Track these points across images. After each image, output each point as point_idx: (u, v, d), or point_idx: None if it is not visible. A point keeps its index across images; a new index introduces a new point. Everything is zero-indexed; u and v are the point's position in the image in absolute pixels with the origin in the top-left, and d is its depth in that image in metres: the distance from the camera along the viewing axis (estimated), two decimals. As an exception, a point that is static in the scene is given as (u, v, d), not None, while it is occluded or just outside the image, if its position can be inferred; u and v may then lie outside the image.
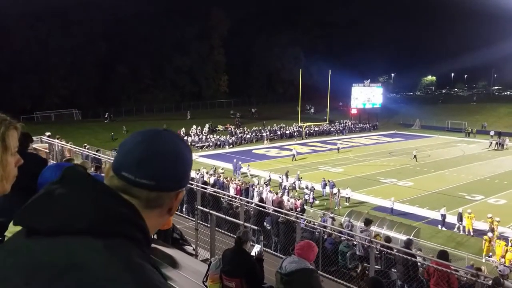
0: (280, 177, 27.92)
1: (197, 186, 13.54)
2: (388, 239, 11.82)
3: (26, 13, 52.77)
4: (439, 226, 21.27)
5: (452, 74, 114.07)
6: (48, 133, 18.59)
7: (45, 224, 0.80)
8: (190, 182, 16.13)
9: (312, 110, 68.19)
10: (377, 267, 9.97)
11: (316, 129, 53.78)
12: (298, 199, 22.02)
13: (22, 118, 50.63)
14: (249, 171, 31.12)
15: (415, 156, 36.48)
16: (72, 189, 0.85)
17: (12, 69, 53.91)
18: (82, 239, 0.78)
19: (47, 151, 14.81)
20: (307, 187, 25.62)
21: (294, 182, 27.55)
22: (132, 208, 0.88)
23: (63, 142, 16.38)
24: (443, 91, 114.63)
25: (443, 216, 21.25)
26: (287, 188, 26.39)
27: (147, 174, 0.90)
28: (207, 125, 51.40)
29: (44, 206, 0.83)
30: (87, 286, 0.71)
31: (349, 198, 25.21)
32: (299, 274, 4.75)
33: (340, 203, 24.55)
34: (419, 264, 9.44)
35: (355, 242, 11.31)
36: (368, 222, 11.80)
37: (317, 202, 25.02)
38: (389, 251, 9.77)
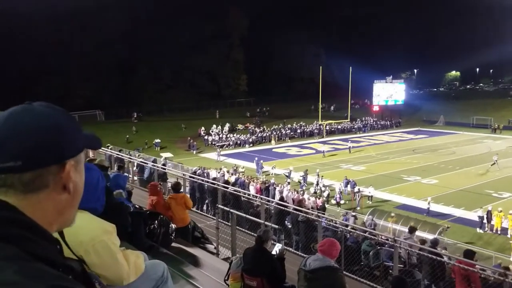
0: (302, 177, 27.83)
1: (217, 185, 13.59)
2: (423, 242, 11.48)
3: (50, 17, 53.88)
4: (478, 229, 20.50)
5: (477, 69, 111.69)
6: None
7: None
8: (212, 181, 16.20)
9: (332, 108, 67.70)
10: (400, 266, 9.81)
11: (339, 127, 53.35)
12: (319, 198, 21.87)
13: (47, 119, 51.83)
14: (274, 169, 30.89)
15: (495, 162, 31.75)
16: None
17: (37, 71, 55.13)
18: None
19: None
20: (324, 186, 25.65)
21: (317, 182, 27.41)
22: None
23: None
24: (468, 86, 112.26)
25: (481, 218, 20.53)
26: (305, 186, 26.29)
27: (9, 155, 0.77)
28: (227, 125, 51.58)
29: None
30: None
31: (371, 196, 24.93)
32: (323, 271, 4.74)
33: (361, 203, 24.26)
34: (446, 263, 9.24)
35: (377, 241, 11.14)
36: (412, 230, 11.52)
37: (342, 201, 24.79)
38: (417, 251, 9.59)
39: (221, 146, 42.80)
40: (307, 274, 4.81)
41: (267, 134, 47.20)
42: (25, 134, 0.79)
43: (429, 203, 22.51)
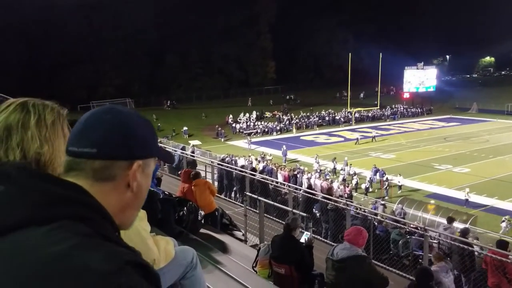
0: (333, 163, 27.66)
1: (245, 172, 13.65)
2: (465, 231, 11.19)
3: (80, 5, 54.80)
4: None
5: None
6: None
7: None
8: (240, 169, 16.28)
9: (362, 95, 66.57)
10: (430, 255, 9.67)
11: (369, 114, 52.56)
12: (347, 186, 21.69)
13: (79, 107, 53.01)
14: (318, 161, 28.91)
15: None
16: (8, 185, 0.81)
17: (69, 60, 56.27)
18: (22, 233, 0.73)
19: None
20: (350, 174, 25.46)
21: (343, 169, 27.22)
22: (69, 186, 0.83)
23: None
24: (503, 72, 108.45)
25: None
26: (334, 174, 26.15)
27: (88, 142, 0.87)
28: (254, 112, 51.53)
29: None
30: (42, 273, 0.67)
31: (401, 186, 24.57)
32: (351, 260, 4.73)
33: (390, 192, 23.94)
34: (476, 253, 9.05)
35: (407, 230, 11.00)
36: (451, 220, 11.33)
37: (370, 190, 24.54)
38: (448, 241, 9.42)
39: (249, 134, 42.89)
40: (335, 264, 4.80)
41: (295, 122, 46.87)
42: (104, 127, 0.89)
43: (467, 193, 21.72)
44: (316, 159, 28.78)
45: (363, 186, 24.68)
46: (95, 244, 0.74)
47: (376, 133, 40.49)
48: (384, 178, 24.65)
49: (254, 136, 42.63)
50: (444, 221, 17.20)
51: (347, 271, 4.72)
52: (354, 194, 22.11)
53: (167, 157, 1.08)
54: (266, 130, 44.62)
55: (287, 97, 65.35)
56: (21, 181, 0.82)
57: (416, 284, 5.19)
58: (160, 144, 1.03)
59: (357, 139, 38.27)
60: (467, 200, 21.58)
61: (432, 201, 20.18)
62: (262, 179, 13.82)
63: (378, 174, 25.27)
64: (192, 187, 8.00)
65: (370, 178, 25.16)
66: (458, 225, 16.68)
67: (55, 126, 1.37)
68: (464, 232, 9.88)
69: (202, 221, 7.27)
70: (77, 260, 0.69)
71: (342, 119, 49.70)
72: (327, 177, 24.07)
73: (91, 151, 0.87)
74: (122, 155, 0.90)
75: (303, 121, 47.67)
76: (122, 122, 0.91)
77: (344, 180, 24.54)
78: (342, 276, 4.79)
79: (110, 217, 0.86)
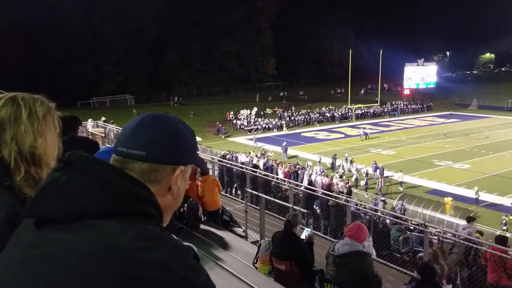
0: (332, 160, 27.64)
1: (246, 169, 13.66)
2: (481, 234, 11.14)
3: (81, 1, 54.67)
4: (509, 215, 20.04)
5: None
6: (103, 118, 19.31)
7: (60, 212, 0.81)
8: (240, 165, 16.30)
9: (362, 92, 66.45)
10: (431, 251, 9.68)
11: (370, 111, 52.47)
12: (347, 182, 21.71)
13: (79, 103, 52.98)
14: (320, 159, 28.42)
15: None
16: (77, 173, 0.86)
17: (69, 57, 56.15)
18: (99, 223, 0.80)
19: (103, 135, 15.40)
20: (350, 170, 25.48)
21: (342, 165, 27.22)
22: (140, 184, 0.89)
23: (117, 127, 16.94)
24: (503, 69, 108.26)
25: None
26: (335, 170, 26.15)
27: (138, 144, 0.92)
28: (255, 108, 51.40)
29: (55, 194, 0.84)
30: (124, 263, 0.75)
31: (401, 182, 24.58)
32: (353, 256, 4.75)
33: (391, 189, 23.96)
34: (477, 248, 9.06)
35: (410, 227, 11.02)
36: (470, 219, 11.29)
37: (367, 186, 24.55)
38: (451, 238, 9.44)
39: (249, 131, 42.85)
40: (336, 259, 4.81)
41: (285, 120, 46.46)
42: (155, 133, 0.94)
43: (476, 192, 21.46)
44: (319, 158, 28.62)
45: (362, 182, 24.70)
46: (167, 238, 0.83)
47: (370, 129, 40.20)
48: (384, 175, 24.68)
49: (255, 132, 42.61)
50: (445, 217, 17.30)
51: (348, 266, 4.74)
52: (354, 190, 22.15)
53: (204, 164, 1.17)
54: (269, 126, 44.52)
55: (281, 93, 65.00)
56: (100, 173, 0.86)
57: (420, 281, 5.17)
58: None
59: (366, 134, 38.15)
60: (477, 199, 21.41)
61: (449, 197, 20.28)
62: (263, 176, 13.83)
63: (378, 171, 25.28)
64: (200, 182, 7.96)
65: (365, 172, 25.16)
66: (457, 221, 16.74)
67: (46, 119, 1.38)
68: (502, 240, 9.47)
69: (205, 218, 7.25)
70: (155, 253, 0.77)
71: (337, 115, 49.30)
72: (327, 173, 24.13)
73: (140, 153, 0.92)
74: (169, 160, 0.95)
75: (304, 118, 47.61)
76: (172, 129, 0.97)
77: (341, 176, 24.49)
78: (343, 271, 4.80)
79: (163, 217, 0.94)
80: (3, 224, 1.16)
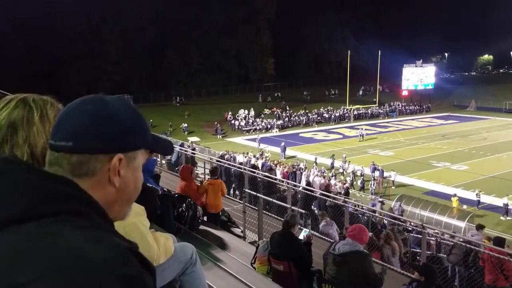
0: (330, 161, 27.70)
1: (244, 169, 13.66)
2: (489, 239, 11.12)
3: (80, 1, 54.61)
4: (501, 217, 20.18)
5: (511, 53, 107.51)
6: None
7: None
8: (238, 165, 16.30)
9: (361, 92, 66.47)
10: (428, 252, 9.71)
11: (368, 111, 52.47)
12: (345, 183, 21.74)
13: (77, 103, 52.79)
14: (347, 164, 27.93)
15: None
16: None
17: (68, 56, 56.09)
18: (19, 228, 0.70)
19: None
20: (347, 171, 25.54)
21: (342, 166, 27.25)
22: (62, 180, 0.78)
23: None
24: (501, 70, 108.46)
25: (506, 205, 20.11)
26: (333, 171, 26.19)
27: (64, 135, 0.82)
28: (252, 109, 51.34)
29: None
30: (46, 267, 0.64)
31: (393, 181, 24.66)
32: (353, 256, 4.77)
33: (380, 191, 24.02)
34: (476, 250, 9.08)
35: (408, 228, 11.04)
36: (479, 227, 11.26)
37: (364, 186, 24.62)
38: (449, 239, 9.46)
39: (248, 131, 42.82)
40: (336, 258, 4.83)
41: (275, 121, 46.17)
42: (82, 119, 0.83)
43: (477, 194, 21.42)
44: (315, 160, 28.67)
45: (359, 182, 24.77)
46: (95, 235, 0.71)
47: (368, 130, 40.17)
48: (382, 175, 24.76)
49: (253, 133, 42.61)
50: (443, 218, 17.33)
51: (348, 266, 4.76)
52: (351, 191, 22.18)
53: (162, 148, 1.00)
54: (268, 127, 44.49)
55: (275, 94, 64.76)
56: (14, 175, 0.77)
57: (424, 282, 5.16)
58: (157, 134, 0.96)
59: (362, 135, 38.18)
60: (479, 201, 21.37)
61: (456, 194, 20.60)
62: (261, 176, 13.83)
63: (377, 172, 25.30)
64: (208, 184, 7.93)
65: (361, 173, 25.19)
66: (457, 223, 16.79)
67: None
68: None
69: (204, 219, 7.24)
70: (80, 252, 0.66)
71: (332, 117, 49.27)
72: (324, 173, 24.15)
73: (67, 144, 0.82)
74: (101, 149, 0.83)
75: (301, 118, 47.64)
76: (102, 112, 0.84)
77: (334, 176, 24.52)
78: (343, 271, 4.81)
79: (104, 212, 0.81)
80: None
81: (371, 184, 24.21)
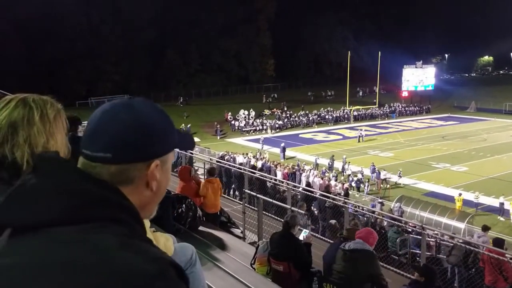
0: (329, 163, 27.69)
1: (244, 170, 13.66)
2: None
3: (80, 1, 54.65)
4: (498, 217, 20.22)
5: (511, 54, 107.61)
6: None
7: (20, 220, 0.73)
8: (238, 166, 16.30)
9: (361, 93, 66.47)
10: (428, 253, 9.71)
11: (368, 112, 52.41)
12: (344, 183, 21.74)
13: (77, 103, 52.83)
14: (348, 166, 27.61)
15: None
16: (41, 178, 0.78)
17: (67, 56, 56.00)
18: (61, 231, 0.71)
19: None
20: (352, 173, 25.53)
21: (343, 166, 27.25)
22: (107, 187, 0.80)
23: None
24: (501, 72, 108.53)
25: (502, 204, 20.18)
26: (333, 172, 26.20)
27: (101, 146, 0.82)
28: (251, 110, 51.21)
29: (17, 200, 0.75)
30: (83, 274, 0.65)
31: (385, 179, 24.72)
32: (362, 253, 5.00)
33: (388, 192, 24.05)
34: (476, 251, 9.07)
35: (408, 229, 11.03)
36: (485, 228, 11.27)
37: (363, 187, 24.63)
38: (449, 240, 9.46)
39: (248, 131, 42.80)
40: (347, 253, 4.96)
41: (268, 122, 45.66)
42: (118, 130, 0.83)
43: (476, 197, 21.37)
44: (316, 160, 28.68)
45: (353, 183, 24.76)
46: (135, 245, 0.72)
47: (368, 131, 40.13)
48: (382, 176, 24.76)
49: (253, 133, 42.57)
50: (443, 219, 17.32)
51: (356, 262, 4.92)
52: (351, 192, 22.18)
53: (186, 143, 1.02)
54: (266, 127, 44.44)
55: (271, 95, 64.17)
56: (62, 178, 0.78)
57: (425, 282, 5.18)
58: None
59: (361, 136, 38.14)
60: (478, 203, 21.35)
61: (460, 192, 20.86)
62: (261, 177, 13.84)
63: (375, 173, 25.31)
64: (207, 182, 7.91)
65: (360, 173, 25.21)
66: (456, 224, 16.78)
67: (57, 120, 1.39)
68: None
69: (204, 219, 7.23)
70: (120, 261, 0.67)
71: (331, 117, 49.11)
72: (325, 174, 24.16)
73: (105, 155, 0.82)
74: (139, 158, 0.85)
75: (302, 119, 47.63)
76: (137, 121, 0.84)
77: (335, 177, 24.53)
78: (351, 266, 4.94)
79: (141, 219, 0.83)
80: None
81: (366, 186, 24.24)
